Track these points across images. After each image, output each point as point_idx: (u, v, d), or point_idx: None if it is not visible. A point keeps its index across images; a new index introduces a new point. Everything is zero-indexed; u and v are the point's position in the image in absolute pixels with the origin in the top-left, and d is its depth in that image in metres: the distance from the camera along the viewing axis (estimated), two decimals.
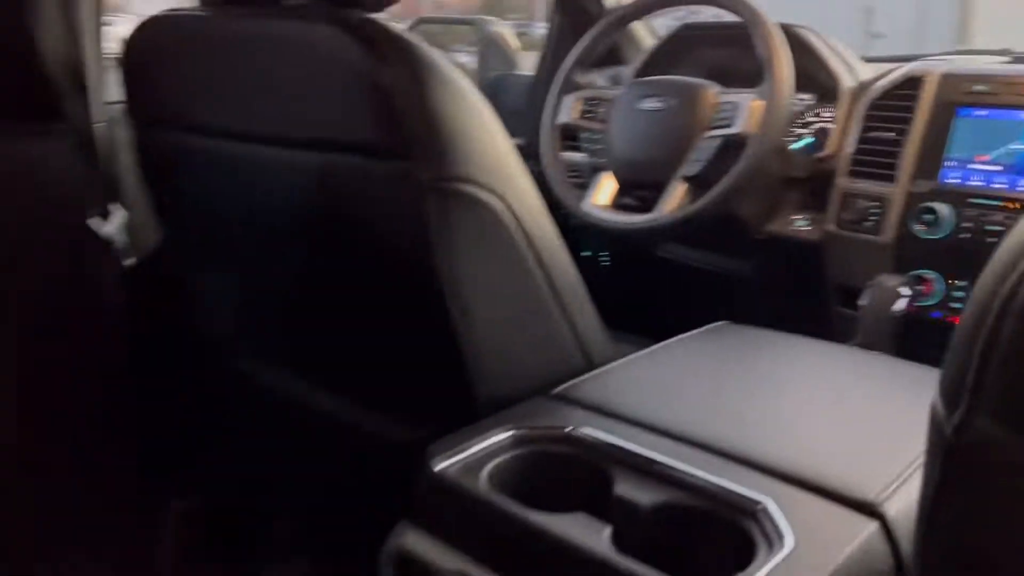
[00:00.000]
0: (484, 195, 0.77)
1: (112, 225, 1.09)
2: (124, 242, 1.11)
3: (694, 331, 0.96)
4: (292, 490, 1.16)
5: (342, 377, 0.96)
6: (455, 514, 0.66)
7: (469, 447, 0.70)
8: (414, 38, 0.77)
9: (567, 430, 0.71)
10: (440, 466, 0.68)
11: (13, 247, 1.02)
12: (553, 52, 1.68)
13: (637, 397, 0.79)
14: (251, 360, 1.06)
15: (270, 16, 0.82)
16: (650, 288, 1.66)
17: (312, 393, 0.98)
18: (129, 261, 1.13)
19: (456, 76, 0.76)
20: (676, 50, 1.48)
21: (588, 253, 1.69)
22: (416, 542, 0.68)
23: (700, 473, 0.63)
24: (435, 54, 0.76)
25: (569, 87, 1.43)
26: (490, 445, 0.70)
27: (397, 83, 0.72)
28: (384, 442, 0.91)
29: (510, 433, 0.71)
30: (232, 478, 1.23)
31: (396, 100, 0.72)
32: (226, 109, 0.87)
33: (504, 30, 1.96)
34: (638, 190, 1.31)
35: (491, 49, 1.91)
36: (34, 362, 1.08)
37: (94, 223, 1.06)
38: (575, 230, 1.22)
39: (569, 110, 1.42)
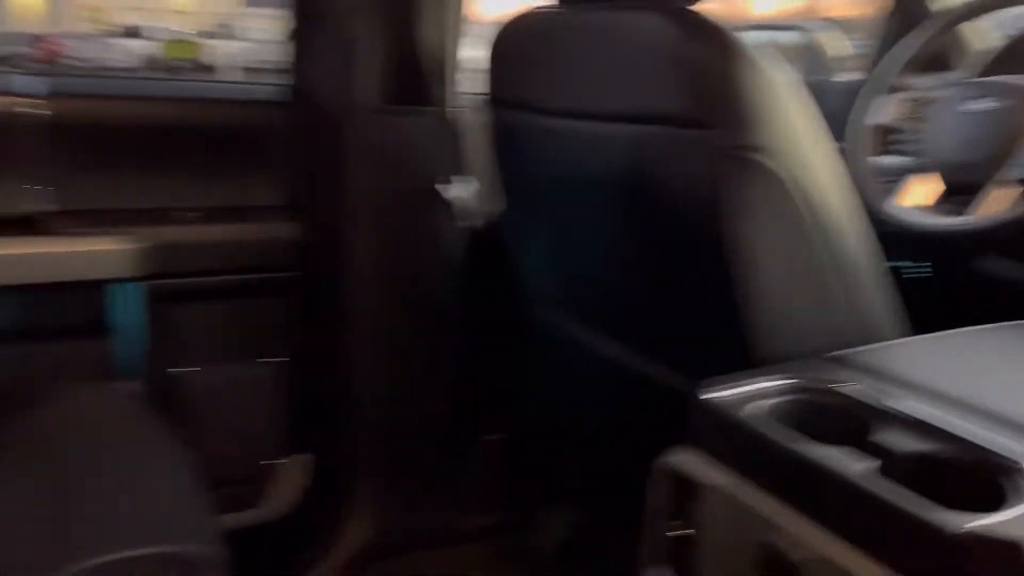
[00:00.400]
0: (773, 165, 0.84)
1: (460, 192, 1.32)
2: (469, 207, 1.33)
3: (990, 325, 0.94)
4: (579, 433, 1.30)
5: (634, 330, 1.07)
6: (725, 437, 0.74)
7: (741, 387, 0.77)
8: (722, 22, 0.86)
9: (834, 385, 0.76)
10: (713, 396, 0.76)
11: (384, 201, 1.28)
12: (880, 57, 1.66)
13: (912, 366, 0.80)
14: (558, 313, 1.22)
15: (606, 9, 0.96)
16: (959, 306, 1.57)
17: (605, 343, 1.11)
18: (471, 224, 1.35)
19: (758, 56, 0.85)
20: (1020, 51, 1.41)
21: (899, 263, 1.64)
22: (686, 461, 0.77)
23: (963, 427, 0.65)
24: (739, 36, 0.85)
25: (884, 88, 1.42)
26: (760, 388, 0.77)
27: (705, 59, 0.82)
28: (665, 391, 1.01)
29: (779, 381, 0.78)
30: (531, 419, 1.41)
31: (703, 74, 0.82)
32: (562, 90, 1.03)
33: (826, 37, 1.96)
34: (958, 194, 1.27)
35: (811, 56, 1.92)
36: (384, 296, 1.33)
37: (445, 189, 1.30)
38: (883, 238, 1.23)
39: (885, 111, 1.41)
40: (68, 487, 0.86)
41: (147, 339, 1.26)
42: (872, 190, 1.35)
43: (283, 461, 1.40)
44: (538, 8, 1.10)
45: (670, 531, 0.79)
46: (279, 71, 1.37)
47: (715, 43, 0.83)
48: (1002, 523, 0.55)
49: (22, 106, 1.18)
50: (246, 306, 1.35)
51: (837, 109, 1.71)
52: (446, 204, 1.32)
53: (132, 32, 16.42)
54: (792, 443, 0.68)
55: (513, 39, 1.12)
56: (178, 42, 14.59)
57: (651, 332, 1.04)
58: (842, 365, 0.82)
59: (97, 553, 0.76)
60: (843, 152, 1.34)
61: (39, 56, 13.30)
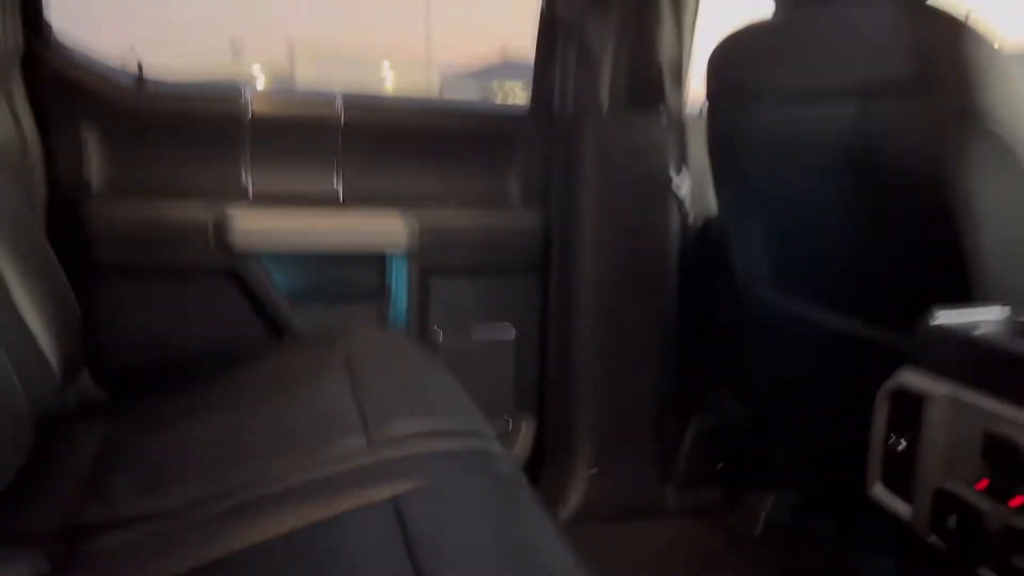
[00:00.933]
0: (997, 128, 0.92)
1: (683, 187, 1.47)
2: (691, 200, 1.48)
3: None
4: (793, 419, 1.38)
5: (857, 299, 1.16)
6: (952, 352, 0.83)
7: (964, 316, 0.85)
8: (951, 10, 0.97)
9: None
10: (939, 320, 0.85)
11: (615, 195, 1.46)
12: None
13: None
14: (774, 294, 1.32)
15: (824, 4, 1.09)
16: None
17: (823, 315, 1.20)
18: (691, 216, 1.49)
19: (981, 30, 0.94)
20: None
21: None
22: (913, 378, 0.86)
23: None
24: (968, 19, 0.95)
25: None
26: (980, 319, 0.85)
27: (931, 29, 0.93)
28: (883, 353, 1.09)
29: (997, 314, 0.85)
30: (745, 402, 1.50)
31: (929, 44, 0.93)
32: (786, 79, 1.16)
33: None
34: None
35: None
36: (612, 281, 1.49)
37: (674, 182, 1.45)
38: None
39: None
40: (368, 383, 1.08)
41: (414, 303, 1.49)
42: None
43: (509, 420, 1.58)
44: (753, 23, 1.24)
45: (894, 443, 0.88)
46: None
47: (941, 17, 0.94)
48: None
49: (327, 112, 1.47)
50: (492, 283, 1.57)
51: None
52: (671, 198, 1.47)
53: None
54: (1008, 347, 0.76)
55: (733, 45, 1.27)
56: None
57: (873, 299, 1.13)
58: None
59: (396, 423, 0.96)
60: None
61: None
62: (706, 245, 1.49)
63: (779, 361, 1.36)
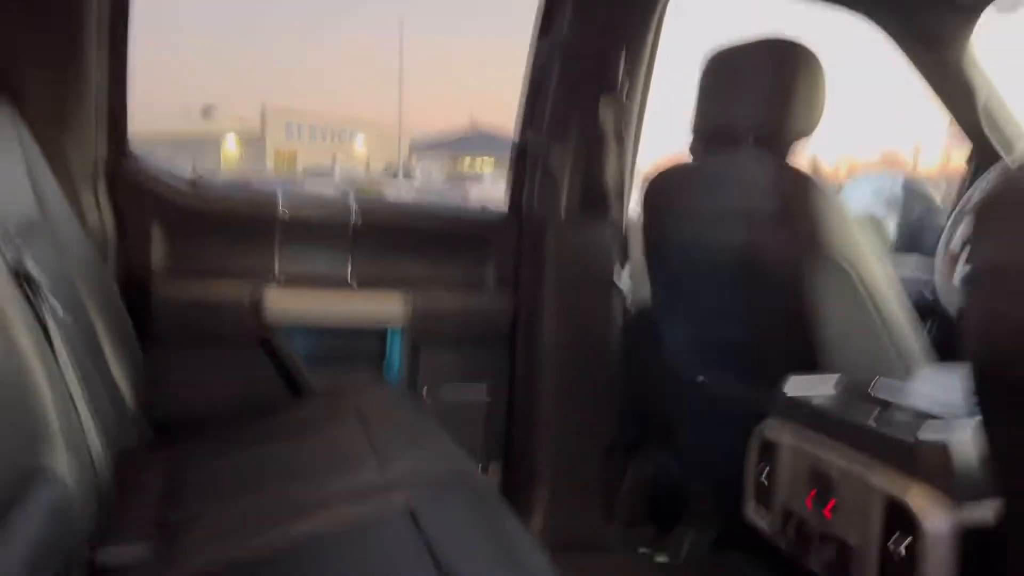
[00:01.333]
0: (833, 254, 1.31)
1: (624, 280, 1.86)
2: (628, 292, 1.87)
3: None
4: (708, 467, 1.74)
5: (743, 370, 1.53)
6: (793, 412, 1.20)
7: (809, 383, 1.23)
8: (806, 172, 1.37)
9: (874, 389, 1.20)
10: (787, 388, 1.23)
11: (571, 284, 1.84)
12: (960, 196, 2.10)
13: (916, 383, 1.23)
14: (694, 366, 1.70)
15: (726, 154, 1.49)
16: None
17: (725, 382, 1.57)
18: (630, 303, 1.88)
19: (829, 191, 1.34)
20: None
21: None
22: (771, 429, 1.23)
23: (918, 403, 1.09)
24: (816, 179, 1.36)
25: (962, 220, 1.86)
26: (821, 385, 1.23)
27: (793, 190, 1.32)
28: (762, 411, 1.46)
29: (834, 380, 1.23)
30: (673, 453, 1.86)
31: (790, 201, 1.32)
32: (695, 207, 1.56)
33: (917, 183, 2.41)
34: None
35: (910, 197, 2.37)
36: (566, 353, 1.87)
37: (616, 276, 1.84)
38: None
39: (963, 236, 1.84)
40: (375, 427, 1.42)
41: (406, 366, 1.85)
42: (949, 290, 1.77)
43: (480, 464, 1.92)
44: (677, 164, 1.64)
45: (760, 476, 1.24)
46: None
47: (796, 173, 1.34)
48: (934, 432, 0.99)
49: (342, 211, 1.84)
50: (470, 350, 1.93)
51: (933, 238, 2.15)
52: (614, 289, 1.86)
53: (321, 173, 18.70)
54: (827, 410, 1.14)
55: (663, 178, 1.66)
56: (365, 187, 16.52)
57: (754, 371, 1.50)
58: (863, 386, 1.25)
59: (403, 461, 1.30)
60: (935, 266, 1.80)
61: None
62: (642, 327, 1.87)
63: (694, 419, 1.73)
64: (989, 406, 0.86)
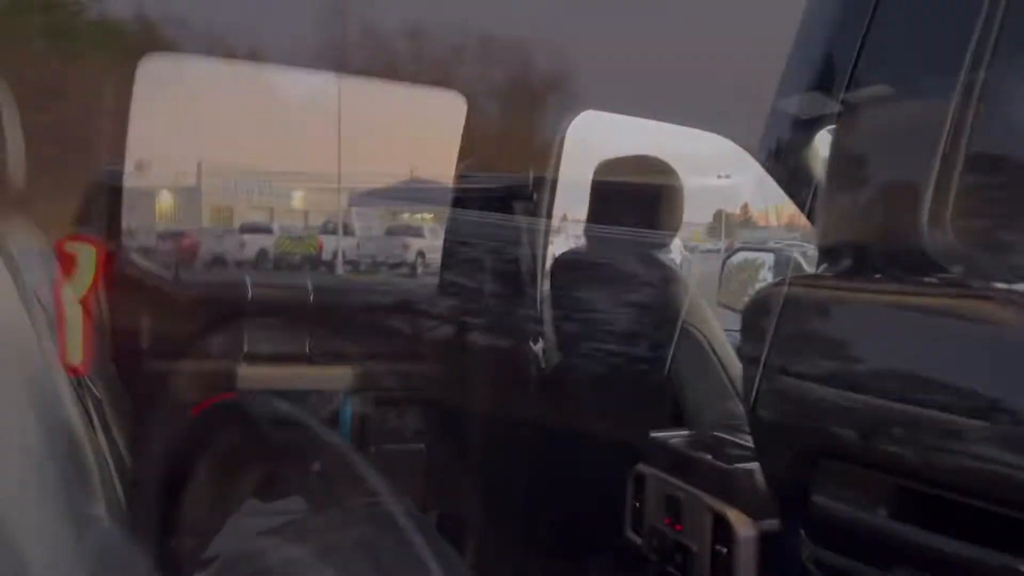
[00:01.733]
0: (690, 328, 1.72)
1: (539, 346, 2.25)
2: (542, 357, 2.26)
3: None
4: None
5: (631, 422, 1.92)
6: (657, 454, 1.58)
7: (670, 435, 1.62)
8: (670, 261, 1.79)
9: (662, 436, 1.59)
10: (653, 436, 1.61)
11: (497, 354, 2.22)
12: None
13: None
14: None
15: (607, 248, 1.90)
16: None
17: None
18: (544, 367, 2.27)
19: (686, 278, 1.75)
20: None
21: None
22: (643, 468, 1.61)
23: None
24: (679, 272, 1.77)
25: None
26: (678, 435, 1.62)
27: (657, 274, 1.73)
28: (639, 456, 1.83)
29: (687, 433, 1.62)
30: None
31: (657, 280, 1.73)
32: (588, 278, 1.95)
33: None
34: None
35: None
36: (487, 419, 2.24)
37: (532, 346, 2.23)
38: None
39: None
40: None
41: (355, 428, 2.19)
42: None
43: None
44: (575, 248, 2.04)
45: (635, 503, 1.62)
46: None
47: (663, 265, 1.75)
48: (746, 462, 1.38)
49: (302, 295, 2.19)
50: (411, 411, 2.29)
51: None
52: (532, 354, 2.25)
53: (254, 228, 18.79)
54: (679, 450, 1.53)
55: (563, 259, 2.07)
56: (289, 238, 16.56)
57: (636, 422, 1.89)
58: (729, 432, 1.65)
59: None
60: None
61: (184, 248, 15.33)
62: (553, 387, 2.25)
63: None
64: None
